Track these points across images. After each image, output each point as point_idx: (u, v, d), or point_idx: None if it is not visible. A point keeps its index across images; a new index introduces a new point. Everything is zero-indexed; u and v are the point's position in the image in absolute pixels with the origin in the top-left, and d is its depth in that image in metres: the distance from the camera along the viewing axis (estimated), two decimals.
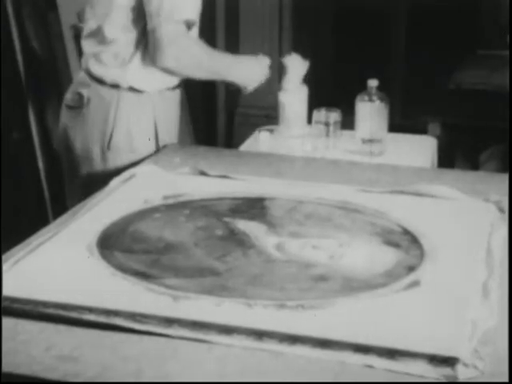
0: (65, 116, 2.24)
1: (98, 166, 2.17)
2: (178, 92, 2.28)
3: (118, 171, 2.11)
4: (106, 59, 2.13)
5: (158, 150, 2.20)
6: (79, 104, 2.17)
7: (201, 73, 2.17)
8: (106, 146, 2.14)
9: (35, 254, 1.49)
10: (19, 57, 3.27)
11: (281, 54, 3.53)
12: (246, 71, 2.27)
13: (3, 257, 1.47)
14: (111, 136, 2.13)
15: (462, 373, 1.13)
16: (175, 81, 2.23)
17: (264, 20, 4.21)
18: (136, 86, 2.13)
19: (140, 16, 2.07)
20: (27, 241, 1.56)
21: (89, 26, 2.17)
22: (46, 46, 3.36)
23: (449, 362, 1.15)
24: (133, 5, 2.07)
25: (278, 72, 2.53)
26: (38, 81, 3.33)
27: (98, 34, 2.13)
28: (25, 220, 3.05)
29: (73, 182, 2.25)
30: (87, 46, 2.18)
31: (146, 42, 2.09)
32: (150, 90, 2.16)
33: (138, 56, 2.11)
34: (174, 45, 2.02)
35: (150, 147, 2.19)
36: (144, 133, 2.17)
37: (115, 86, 2.13)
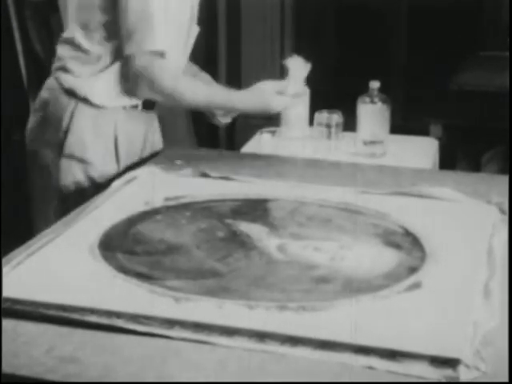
0: (30, 119, 2.21)
1: (52, 172, 2.11)
2: (144, 113, 2.19)
3: (71, 180, 2.08)
4: (75, 67, 2.09)
5: (119, 166, 2.12)
6: (40, 107, 2.16)
7: (186, 103, 2.13)
8: (59, 153, 2.10)
9: (37, 256, 1.49)
10: (21, 59, 3.27)
11: (282, 56, 3.53)
12: (255, 98, 2.15)
13: (4, 259, 1.47)
14: (64, 143, 2.09)
15: (463, 374, 1.13)
16: (138, 101, 2.15)
17: (265, 23, 4.22)
18: (91, 98, 2.07)
19: (116, 33, 2.03)
20: (28, 243, 1.56)
21: (64, 32, 2.14)
22: (47, 48, 3.36)
23: (450, 363, 1.15)
24: (109, 21, 2.03)
25: (280, 74, 2.53)
26: (39, 83, 3.33)
27: (72, 42, 2.09)
28: (25, 222, 3.04)
29: (34, 187, 2.21)
30: (61, 50, 2.14)
31: (119, 58, 2.05)
32: (108, 106, 2.10)
33: (109, 70, 2.06)
34: (146, 78, 1.99)
35: (109, 162, 2.12)
36: (101, 146, 2.11)
37: (71, 94, 2.09)
